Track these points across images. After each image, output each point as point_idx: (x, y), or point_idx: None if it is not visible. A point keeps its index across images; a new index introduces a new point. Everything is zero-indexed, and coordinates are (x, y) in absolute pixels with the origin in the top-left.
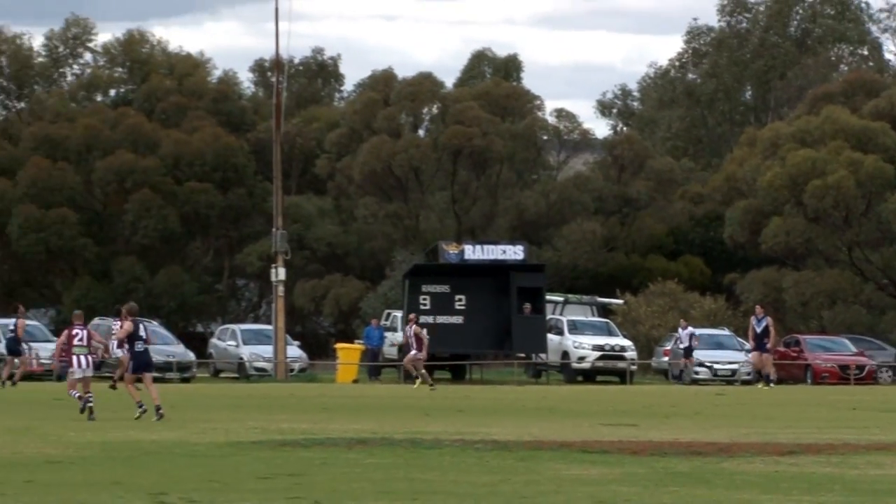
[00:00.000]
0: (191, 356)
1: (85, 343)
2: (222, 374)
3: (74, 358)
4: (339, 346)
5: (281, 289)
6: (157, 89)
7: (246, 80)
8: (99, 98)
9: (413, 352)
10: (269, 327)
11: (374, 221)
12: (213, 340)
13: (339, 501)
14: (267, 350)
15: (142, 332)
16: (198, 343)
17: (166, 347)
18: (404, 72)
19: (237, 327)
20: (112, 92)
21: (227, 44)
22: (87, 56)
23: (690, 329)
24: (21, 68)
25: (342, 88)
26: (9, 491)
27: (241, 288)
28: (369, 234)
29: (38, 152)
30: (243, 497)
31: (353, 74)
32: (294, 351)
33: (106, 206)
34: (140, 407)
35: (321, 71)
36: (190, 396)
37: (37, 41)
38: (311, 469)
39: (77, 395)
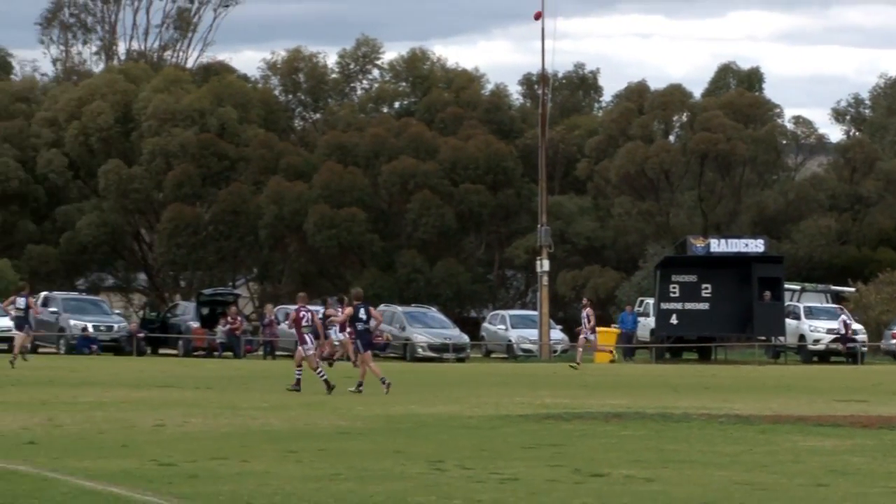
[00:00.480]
0: (465, 339)
1: (310, 323)
2: (493, 355)
3: (306, 336)
4: (598, 329)
5: (545, 278)
6: (437, 101)
7: (515, 92)
8: (385, 109)
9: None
10: (535, 313)
11: (628, 218)
12: (485, 325)
13: (597, 469)
14: (533, 333)
15: (362, 315)
16: (471, 327)
17: (444, 331)
18: (657, 84)
19: (506, 313)
20: (396, 104)
21: (498, 60)
22: (375, 72)
23: None
24: (317, 83)
25: (601, 99)
26: (305, 458)
27: (509, 278)
28: (624, 230)
29: (331, 158)
30: (510, 464)
31: (610, 87)
32: (556, 334)
33: (390, 205)
34: (360, 386)
35: (582, 84)
36: (465, 375)
37: (331, 59)
38: (571, 440)
39: (299, 372)
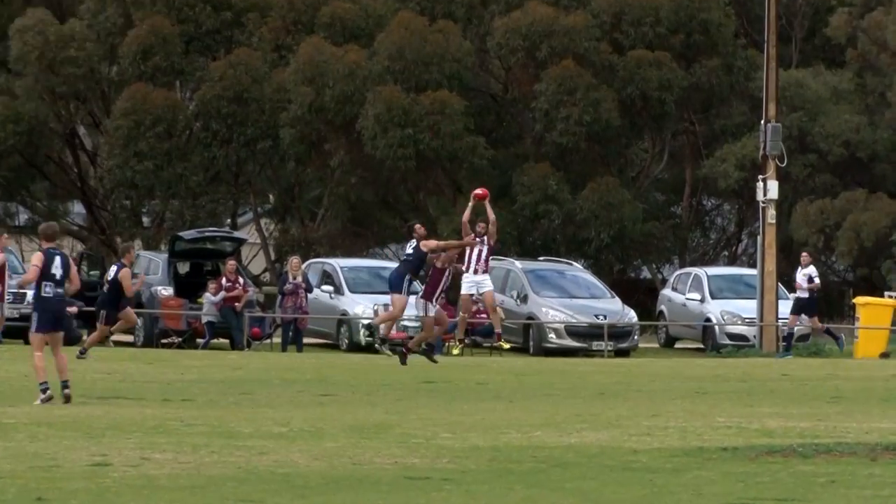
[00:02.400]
0: (631, 316)
1: None
2: (679, 344)
3: None
4: (859, 300)
5: (772, 213)
6: None
7: None
8: None
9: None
10: (749, 272)
11: None
12: (665, 292)
13: None
14: (748, 307)
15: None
16: (641, 296)
17: (594, 303)
18: None
19: (703, 272)
20: None
21: None
22: None
23: None
24: None
25: None
26: None
27: (708, 212)
28: None
29: (407, 6)
30: None
31: None
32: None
33: (508, 87)
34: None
35: None
36: (628, 377)
37: None
38: (813, 490)
39: None
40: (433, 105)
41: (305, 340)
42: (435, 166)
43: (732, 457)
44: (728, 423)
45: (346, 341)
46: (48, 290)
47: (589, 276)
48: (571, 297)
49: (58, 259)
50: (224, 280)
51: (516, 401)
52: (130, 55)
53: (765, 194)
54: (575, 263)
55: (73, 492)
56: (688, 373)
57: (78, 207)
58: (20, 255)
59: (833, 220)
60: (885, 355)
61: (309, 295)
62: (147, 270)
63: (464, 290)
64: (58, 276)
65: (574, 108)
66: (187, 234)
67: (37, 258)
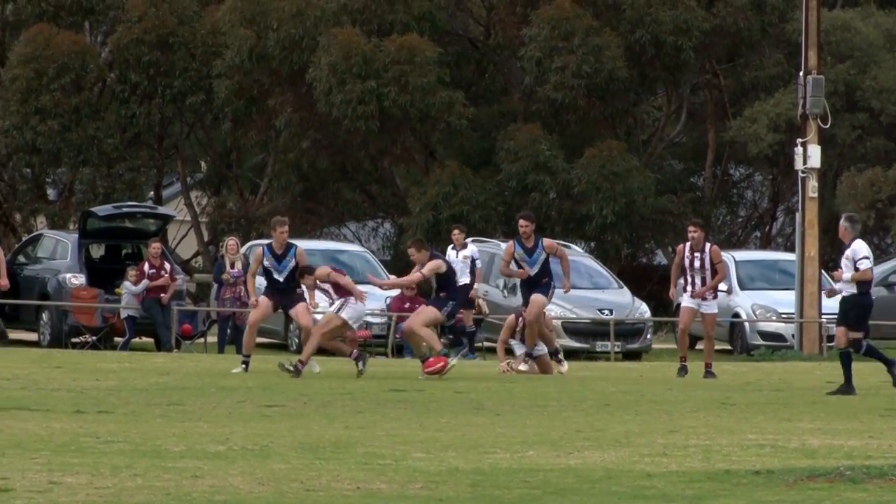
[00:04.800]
0: (643, 310)
1: None
2: (699, 346)
3: None
4: None
5: (813, 185)
6: None
7: None
8: None
9: None
10: (786, 256)
11: None
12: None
13: None
14: (785, 299)
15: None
16: (655, 285)
17: (598, 295)
18: None
19: (729, 256)
20: None
21: None
22: None
23: None
24: None
25: None
26: None
27: (736, 183)
28: None
29: None
30: None
31: None
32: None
33: (490, 31)
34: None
35: None
36: (640, 384)
37: None
38: None
39: None
40: (400, 52)
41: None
42: (403, 127)
43: (766, 482)
44: (761, 440)
45: (297, 341)
46: None
47: (591, 262)
48: (572, 287)
49: None
50: (147, 266)
51: (503, 414)
52: None
53: (804, 162)
54: (574, 246)
55: None
56: (708, 383)
57: None
58: None
59: (886, 193)
60: None
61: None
62: (53, 254)
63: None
64: None
65: (571, 57)
66: (101, 209)
67: None
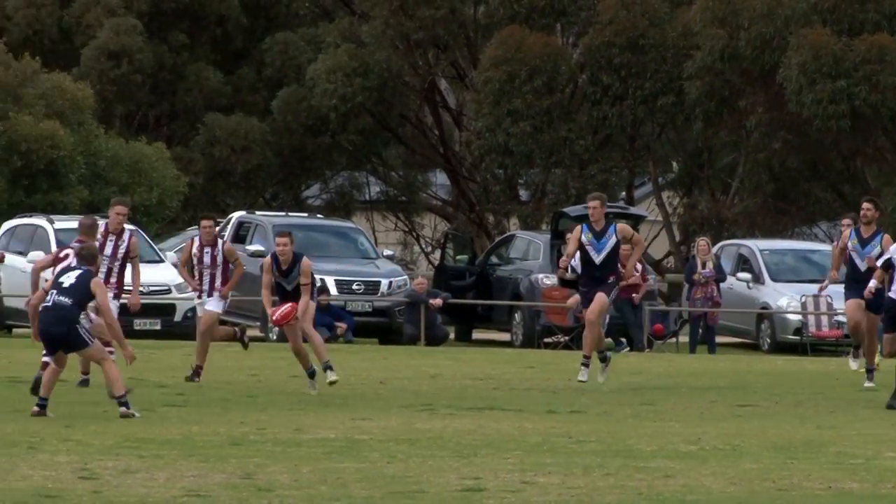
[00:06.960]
0: None
1: None
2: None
3: None
4: None
5: None
6: None
7: None
8: None
9: None
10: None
11: None
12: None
13: None
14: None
15: None
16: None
17: None
18: None
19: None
20: None
21: None
22: None
23: None
24: None
25: None
26: None
27: None
28: None
29: None
30: None
31: None
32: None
33: None
34: None
35: None
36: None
37: None
38: None
39: None
40: (870, 52)
41: (718, 339)
42: (874, 127)
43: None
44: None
45: (769, 340)
46: (50, 297)
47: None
48: None
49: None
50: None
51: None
52: None
53: None
54: None
55: None
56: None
57: (441, 178)
58: (372, 235)
59: None
60: None
61: (722, 284)
62: (525, 255)
63: None
64: (66, 284)
65: None
66: (573, 209)
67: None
